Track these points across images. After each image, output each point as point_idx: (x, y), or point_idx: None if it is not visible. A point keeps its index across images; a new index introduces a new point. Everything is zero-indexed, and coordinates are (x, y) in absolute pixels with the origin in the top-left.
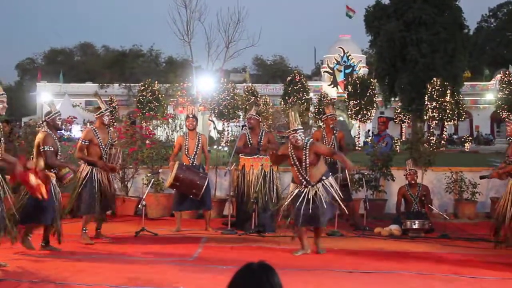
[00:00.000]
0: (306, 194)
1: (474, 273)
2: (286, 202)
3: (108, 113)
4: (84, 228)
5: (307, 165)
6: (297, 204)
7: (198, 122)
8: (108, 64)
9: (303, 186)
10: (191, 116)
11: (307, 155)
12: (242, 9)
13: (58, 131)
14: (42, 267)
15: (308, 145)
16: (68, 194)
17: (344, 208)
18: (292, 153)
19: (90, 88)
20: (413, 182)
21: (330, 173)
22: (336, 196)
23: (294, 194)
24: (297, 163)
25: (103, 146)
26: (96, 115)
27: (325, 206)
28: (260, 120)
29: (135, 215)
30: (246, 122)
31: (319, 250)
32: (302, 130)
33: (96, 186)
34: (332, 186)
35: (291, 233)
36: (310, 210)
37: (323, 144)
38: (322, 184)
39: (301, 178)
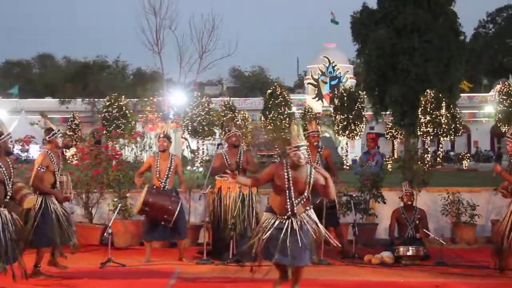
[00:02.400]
0: (289, 226)
1: None
2: (264, 236)
3: (60, 135)
4: (37, 265)
5: (306, 194)
6: (276, 236)
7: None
8: (69, 77)
9: (285, 218)
10: (162, 135)
11: (310, 185)
12: (217, 15)
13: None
14: None
15: (312, 174)
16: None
17: (332, 240)
18: (290, 175)
19: (50, 104)
20: (409, 203)
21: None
22: (321, 227)
23: (275, 226)
24: (292, 188)
25: (58, 172)
26: (49, 137)
27: (309, 239)
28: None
29: (100, 244)
30: (230, 139)
31: None
32: (306, 148)
33: (53, 216)
34: (312, 217)
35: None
36: (291, 244)
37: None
38: (307, 214)
39: (288, 207)
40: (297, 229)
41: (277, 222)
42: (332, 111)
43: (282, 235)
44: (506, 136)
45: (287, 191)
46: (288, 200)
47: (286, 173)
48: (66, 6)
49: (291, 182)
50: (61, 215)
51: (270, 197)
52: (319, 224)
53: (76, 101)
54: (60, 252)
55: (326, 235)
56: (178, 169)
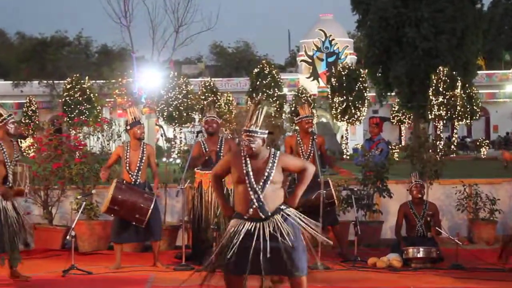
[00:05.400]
0: (260, 230)
1: None
2: (230, 246)
3: (12, 120)
4: None
5: (267, 181)
6: (246, 244)
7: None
8: (24, 56)
9: (251, 216)
10: (137, 122)
11: (274, 166)
12: None
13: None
14: None
15: (276, 156)
16: None
17: (326, 239)
18: (248, 162)
19: (2, 87)
20: (419, 197)
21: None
22: (307, 227)
23: (242, 233)
24: (251, 176)
25: (9, 163)
26: None
27: (294, 244)
28: (220, 123)
29: (62, 249)
30: (203, 126)
31: None
32: (263, 135)
33: (1, 218)
34: (296, 215)
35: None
36: (271, 253)
37: (293, 156)
38: (282, 216)
39: (253, 197)
40: (273, 232)
41: (245, 228)
42: (330, 93)
43: (253, 242)
44: None
45: (247, 178)
46: (250, 189)
47: (244, 160)
48: None
49: (249, 168)
50: (10, 216)
51: (234, 196)
52: (305, 223)
53: (32, 83)
54: (17, 258)
55: (318, 235)
56: (150, 160)
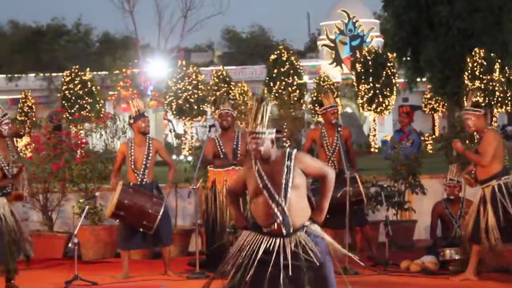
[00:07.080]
0: (280, 248)
1: None
2: (246, 270)
3: (6, 121)
4: None
5: (288, 188)
6: (263, 266)
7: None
8: (18, 47)
9: (271, 231)
10: (142, 115)
11: (291, 170)
12: None
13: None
14: None
15: (292, 156)
16: None
17: (353, 256)
18: (261, 170)
19: None
20: (452, 197)
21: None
22: (333, 242)
23: (260, 251)
24: (269, 185)
25: (6, 167)
26: None
27: (321, 262)
28: (235, 117)
29: (64, 257)
30: (216, 120)
31: None
32: (271, 135)
33: (2, 225)
34: (321, 235)
35: None
36: (293, 274)
37: (312, 158)
38: (306, 232)
39: (276, 210)
40: (294, 254)
41: (263, 246)
42: (355, 80)
43: (272, 261)
44: (465, 109)
45: (265, 190)
46: (271, 201)
47: (256, 169)
48: None
49: (265, 178)
50: (9, 223)
51: (251, 206)
52: (331, 241)
53: (28, 77)
54: (14, 270)
55: (344, 251)
56: (162, 155)
